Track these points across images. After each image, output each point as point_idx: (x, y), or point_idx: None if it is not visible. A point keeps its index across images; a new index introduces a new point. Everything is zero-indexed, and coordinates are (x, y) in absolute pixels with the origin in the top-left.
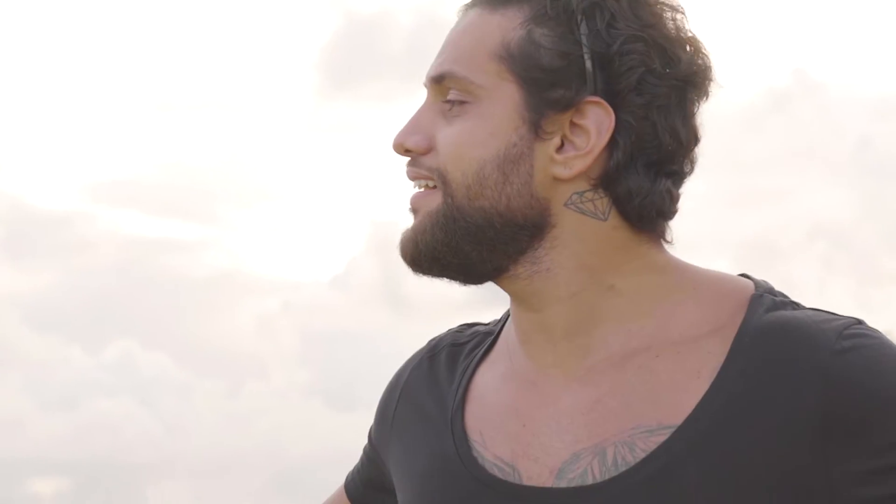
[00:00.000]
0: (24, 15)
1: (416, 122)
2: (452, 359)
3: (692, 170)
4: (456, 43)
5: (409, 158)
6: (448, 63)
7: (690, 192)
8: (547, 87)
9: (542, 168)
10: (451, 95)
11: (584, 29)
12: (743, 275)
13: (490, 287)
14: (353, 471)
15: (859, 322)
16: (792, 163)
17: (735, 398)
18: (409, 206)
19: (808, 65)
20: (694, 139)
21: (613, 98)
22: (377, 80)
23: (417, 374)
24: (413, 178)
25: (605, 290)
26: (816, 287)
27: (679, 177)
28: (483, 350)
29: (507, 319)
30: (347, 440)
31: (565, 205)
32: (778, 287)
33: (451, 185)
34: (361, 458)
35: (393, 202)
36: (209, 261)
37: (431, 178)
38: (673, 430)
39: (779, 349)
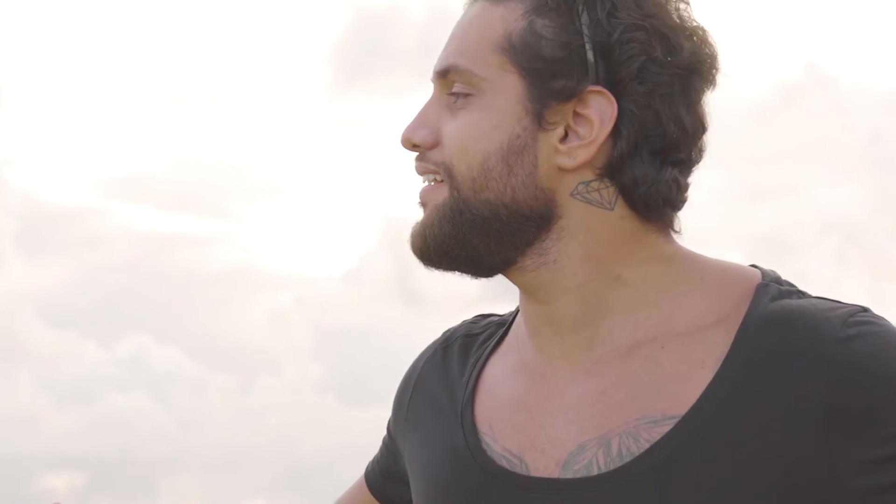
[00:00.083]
0: (38, 11)
1: (422, 116)
2: (465, 350)
3: (700, 158)
4: (460, 36)
5: (417, 153)
6: (452, 56)
7: (703, 186)
8: (549, 77)
9: (547, 159)
10: (456, 88)
11: (584, 19)
12: (753, 265)
13: (501, 281)
14: (372, 461)
15: (865, 310)
16: (804, 157)
17: (739, 388)
18: (419, 201)
19: (820, 59)
20: (700, 127)
21: (615, 87)
22: (389, 74)
23: (431, 366)
24: (421, 172)
25: (611, 281)
26: (830, 281)
27: (686, 165)
28: (494, 342)
29: (518, 312)
30: (360, 435)
31: (571, 195)
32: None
33: (457, 178)
34: (381, 449)
35: (405, 197)
36: (222, 256)
37: (438, 172)
38: (677, 420)
39: (783, 338)
